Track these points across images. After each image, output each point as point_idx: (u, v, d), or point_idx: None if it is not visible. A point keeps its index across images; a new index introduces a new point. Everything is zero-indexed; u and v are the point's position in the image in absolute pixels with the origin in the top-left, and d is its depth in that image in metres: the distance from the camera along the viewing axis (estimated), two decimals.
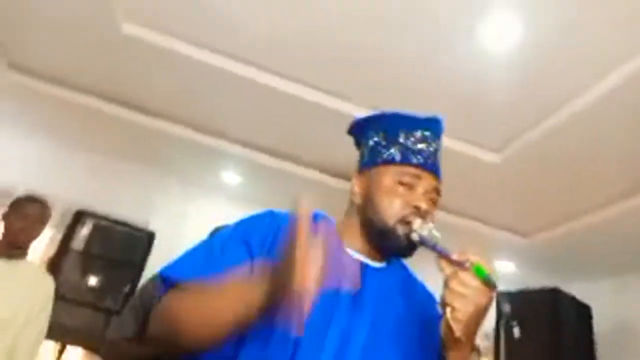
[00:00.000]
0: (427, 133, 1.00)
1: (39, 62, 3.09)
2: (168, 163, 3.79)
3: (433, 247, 0.87)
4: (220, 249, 0.91)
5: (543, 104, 2.52)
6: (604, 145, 2.63)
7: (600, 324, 3.89)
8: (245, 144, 3.51)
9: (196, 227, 3.66)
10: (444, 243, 0.86)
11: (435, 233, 0.89)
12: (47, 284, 2.23)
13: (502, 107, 2.60)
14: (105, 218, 3.42)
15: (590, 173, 2.89)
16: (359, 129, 1.08)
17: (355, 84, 2.70)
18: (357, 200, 0.99)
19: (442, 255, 0.84)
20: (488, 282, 0.79)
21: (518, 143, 2.79)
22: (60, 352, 3.10)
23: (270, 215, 0.98)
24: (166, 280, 0.88)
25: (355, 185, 1.01)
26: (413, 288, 1.03)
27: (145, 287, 2.25)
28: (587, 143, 2.64)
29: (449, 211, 3.65)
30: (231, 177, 3.96)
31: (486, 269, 0.79)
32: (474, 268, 0.79)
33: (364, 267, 0.96)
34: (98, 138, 3.71)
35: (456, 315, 0.79)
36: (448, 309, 0.80)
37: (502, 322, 3.97)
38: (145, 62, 2.83)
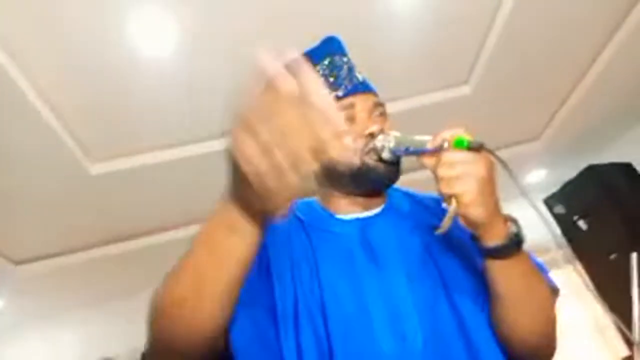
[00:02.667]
0: (332, 58, 0.90)
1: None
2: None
3: (407, 152, 0.78)
4: None
5: (477, 24, 2.53)
6: (555, 23, 2.62)
7: None
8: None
9: None
10: (415, 141, 0.76)
11: (398, 136, 0.80)
12: None
13: (449, 44, 2.61)
14: None
15: (554, 54, 2.88)
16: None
17: None
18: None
19: (419, 153, 0.74)
20: (475, 147, 0.68)
21: (479, 67, 2.80)
22: None
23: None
24: None
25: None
26: (424, 208, 0.93)
27: None
28: (535, 33, 2.62)
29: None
30: None
31: (465, 137, 0.69)
32: (453, 143, 0.69)
33: (364, 223, 0.86)
34: (111, 284, 3.69)
35: (464, 200, 0.68)
36: (453, 200, 0.69)
37: (564, 223, 3.90)
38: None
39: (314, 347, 0.72)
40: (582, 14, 2.59)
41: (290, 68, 0.48)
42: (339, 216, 0.89)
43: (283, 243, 0.83)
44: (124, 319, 3.79)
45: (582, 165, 3.78)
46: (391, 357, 0.72)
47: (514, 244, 0.72)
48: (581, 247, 3.83)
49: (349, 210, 0.89)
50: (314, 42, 0.96)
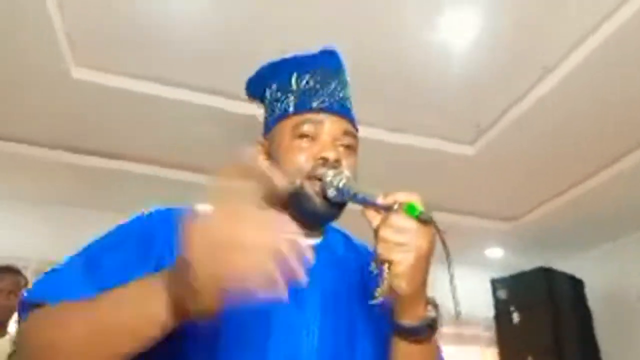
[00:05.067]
0: (323, 70, 0.83)
1: None
2: (135, 204, 3.61)
3: (354, 198, 0.71)
4: (104, 256, 0.69)
5: (509, 93, 2.54)
6: (572, 124, 2.67)
7: (593, 296, 3.92)
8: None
9: None
10: (366, 189, 0.70)
11: (350, 177, 0.73)
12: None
13: (470, 100, 2.59)
14: None
15: (563, 151, 2.93)
16: (255, 90, 0.89)
17: None
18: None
19: (366, 203, 0.69)
20: (424, 220, 0.63)
21: (491, 133, 2.78)
22: None
23: (163, 211, 0.77)
24: (27, 304, 0.65)
25: (260, 154, 0.81)
26: (356, 256, 0.86)
27: None
28: (556, 125, 2.68)
29: (429, 208, 3.59)
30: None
31: (418, 205, 0.64)
32: (404, 208, 0.64)
33: None
34: (64, 190, 3.55)
35: (396, 270, 0.63)
36: (385, 265, 0.64)
37: (500, 308, 3.95)
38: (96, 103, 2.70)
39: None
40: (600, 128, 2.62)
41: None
42: None
43: None
44: (50, 226, 3.64)
45: (541, 262, 3.84)
46: None
47: (426, 330, 0.68)
48: (506, 336, 3.90)
49: None
50: None
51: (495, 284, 3.99)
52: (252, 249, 0.49)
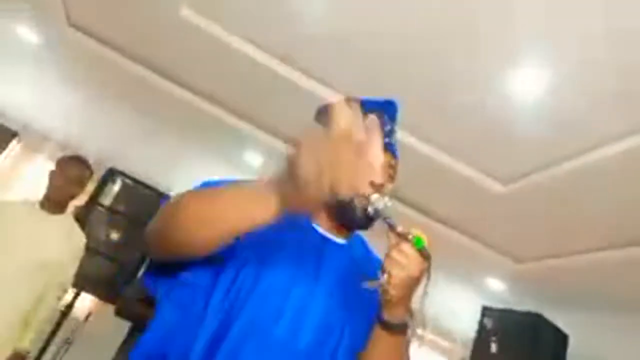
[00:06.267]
0: (391, 116, 1.09)
1: (97, 24, 3.29)
2: (198, 136, 4.02)
3: (384, 220, 0.94)
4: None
5: (558, 150, 2.67)
6: (603, 200, 2.81)
7: (573, 355, 4.08)
8: (274, 133, 3.72)
9: None
10: (394, 216, 0.93)
11: (389, 205, 0.95)
12: (80, 239, 2.48)
13: (520, 144, 2.76)
14: (134, 179, 3.67)
15: (585, 220, 3.08)
16: (324, 111, 1.14)
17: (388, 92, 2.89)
18: None
19: (391, 227, 0.92)
20: (423, 253, 0.88)
21: (526, 180, 2.97)
22: (75, 297, 3.38)
23: None
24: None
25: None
26: (369, 265, 1.07)
27: None
28: (588, 194, 2.82)
29: (448, 225, 3.85)
30: (254, 158, 4.19)
31: (425, 241, 0.88)
32: (414, 239, 0.88)
33: (327, 242, 1.05)
34: (141, 104, 3.93)
35: (391, 281, 0.88)
36: (385, 275, 0.90)
37: (482, 334, 4.19)
38: (194, 44, 3.04)
39: (225, 301, 0.92)
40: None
41: (367, 122, 0.73)
42: (313, 223, 1.06)
43: None
44: (125, 133, 4.05)
45: (534, 307, 4.03)
46: (277, 342, 0.91)
47: (400, 327, 0.94)
48: (478, 359, 4.15)
49: (323, 224, 1.06)
50: None
51: (485, 311, 4.20)
52: (349, 165, 0.70)
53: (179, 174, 4.09)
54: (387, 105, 1.11)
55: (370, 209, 0.95)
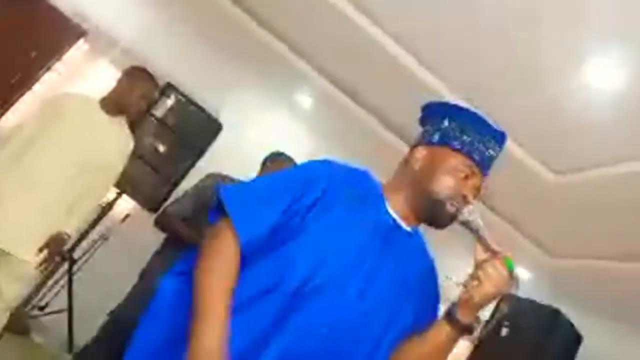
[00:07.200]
0: (491, 140, 1.16)
1: None
2: (257, 67, 4.00)
3: (477, 232, 1.06)
4: (272, 193, 1.09)
5: (615, 150, 2.55)
6: None
7: (584, 358, 4.03)
8: (330, 77, 3.67)
9: (259, 134, 3.98)
10: (484, 229, 1.06)
11: (480, 221, 1.06)
12: (129, 143, 2.54)
13: (579, 138, 2.64)
14: (188, 98, 3.75)
15: (629, 227, 2.95)
16: (433, 110, 1.24)
17: (450, 68, 2.80)
18: (417, 166, 1.15)
19: (480, 239, 1.05)
20: (512, 276, 1.01)
21: (579, 176, 2.84)
22: (116, 198, 3.54)
23: (327, 167, 1.16)
24: (221, 206, 1.06)
25: (419, 153, 1.16)
26: (426, 257, 1.22)
27: (204, 182, 2.59)
28: (637, 200, 2.68)
29: (488, 206, 3.77)
30: (305, 100, 4.17)
31: (513, 263, 1.01)
32: (505, 260, 1.01)
33: (396, 226, 1.14)
34: (206, 28, 3.91)
35: (479, 289, 1.01)
36: (475, 282, 1.02)
37: (496, 317, 4.18)
38: None
39: (311, 255, 1.04)
40: None
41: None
42: (387, 205, 1.16)
43: (343, 190, 1.12)
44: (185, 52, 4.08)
45: (556, 304, 3.97)
46: (347, 299, 1.04)
47: (466, 328, 1.05)
48: (487, 340, 4.16)
49: (397, 209, 1.15)
50: None
51: (504, 295, 4.17)
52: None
53: (229, 99, 4.12)
54: (498, 134, 1.19)
55: (461, 216, 1.08)
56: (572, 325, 4.00)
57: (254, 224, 1.03)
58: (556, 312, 3.93)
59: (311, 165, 1.17)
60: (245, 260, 1.03)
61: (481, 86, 2.77)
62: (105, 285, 3.11)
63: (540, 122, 2.76)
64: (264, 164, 2.64)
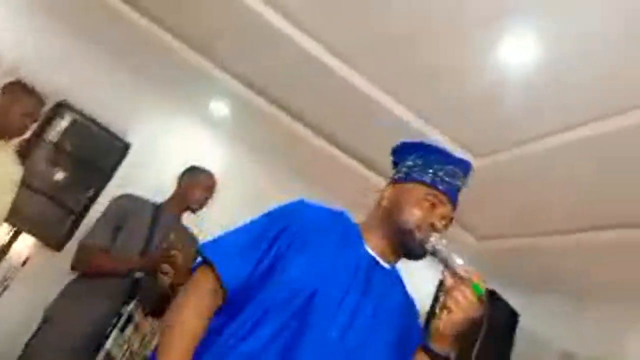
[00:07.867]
0: (456, 170, 1.23)
1: None
2: (161, 78, 3.69)
3: (444, 261, 1.08)
4: (252, 241, 1.11)
5: (527, 130, 2.62)
6: (568, 183, 2.79)
7: (522, 335, 4.17)
8: (246, 83, 3.46)
9: (173, 148, 3.67)
10: (451, 256, 1.08)
11: (446, 249, 1.09)
12: (16, 171, 2.26)
13: (495, 120, 2.68)
14: (86, 117, 3.36)
15: (549, 203, 3.07)
16: (399, 152, 1.32)
17: (379, 68, 2.76)
18: (386, 203, 1.22)
19: (449, 267, 1.07)
20: (481, 299, 1.02)
21: (502, 156, 2.89)
22: (14, 237, 3.12)
23: (302, 208, 1.20)
24: (203, 256, 1.10)
25: (387, 192, 1.24)
26: (404, 292, 1.26)
27: (117, 203, 2.32)
28: (554, 177, 2.79)
29: None
30: (220, 108, 3.91)
31: (482, 288, 1.03)
32: (473, 285, 1.03)
33: (375, 263, 1.18)
34: (98, 33, 3.53)
35: (450, 317, 1.03)
36: (445, 311, 1.04)
37: (436, 307, 4.20)
38: None
39: (290, 301, 1.05)
40: None
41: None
42: (366, 245, 1.20)
43: (321, 230, 1.16)
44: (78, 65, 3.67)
45: (490, 285, 4.05)
46: (330, 340, 1.04)
47: (441, 358, 1.07)
48: (430, 325, 4.17)
49: (374, 247, 1.20)
50: None
51: (441, 285, 4.20)
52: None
53: (138, 118, 3.76)
54: (462, 163, 1.25)
55: (429, 245, 1.12)
56: (507, 304, 4.13)
57: (234, 264, 1.07)
58: (492, 293, 4.04)
59: (286, 208, 1.20)
60: (230, 307, 1.06)
61: (398, 72, 2.71)
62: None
63: (456, 105, 2.76)
64: (180, 180, 2.46)
